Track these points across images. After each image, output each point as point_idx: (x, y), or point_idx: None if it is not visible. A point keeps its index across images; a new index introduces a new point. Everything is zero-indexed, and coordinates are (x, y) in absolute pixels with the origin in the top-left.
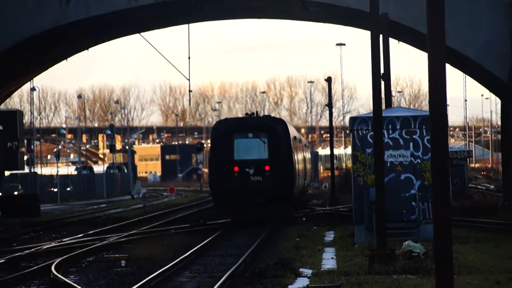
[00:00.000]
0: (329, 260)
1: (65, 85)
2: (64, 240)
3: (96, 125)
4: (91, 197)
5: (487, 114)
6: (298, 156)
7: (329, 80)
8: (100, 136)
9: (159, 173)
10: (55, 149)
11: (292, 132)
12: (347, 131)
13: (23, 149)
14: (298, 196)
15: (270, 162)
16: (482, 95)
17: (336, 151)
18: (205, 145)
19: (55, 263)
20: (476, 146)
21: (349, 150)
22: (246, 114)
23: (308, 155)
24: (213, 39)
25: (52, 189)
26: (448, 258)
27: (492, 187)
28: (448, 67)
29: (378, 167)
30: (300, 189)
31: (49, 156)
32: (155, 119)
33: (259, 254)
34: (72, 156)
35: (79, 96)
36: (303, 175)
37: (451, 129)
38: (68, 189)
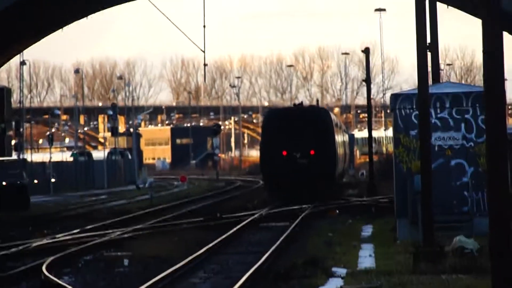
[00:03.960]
0: (366, 258)
1: (60, 58)
2: (57, 236)
3: (96, 104)
4: (90, 188)
5: None
6: (339, 141)
7: (367, 51)
8: (100, 117)
9: (168, 160)
10: (48, 132)
11: (334, 119)
12: (388, 111)
13: (11, 133)
14: (339, 176)
15: (315, 147)
16: None
17: (375, 134)
18: (222, 127)
19: (46, 262)
20: None
21: (390, 132)
22: (294, 104)
23: (346, 139)
24: (232, 3)
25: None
26: (505, 255)
27: None
28: (506, 35)
29: (425, 152)
30: (340, 171)
31: (40, 141)
32: (164, 97)
33: (284, 252)
34: (67, 140)
35: (77, 71)
36: (342, 159)
37: (509, 107)
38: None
